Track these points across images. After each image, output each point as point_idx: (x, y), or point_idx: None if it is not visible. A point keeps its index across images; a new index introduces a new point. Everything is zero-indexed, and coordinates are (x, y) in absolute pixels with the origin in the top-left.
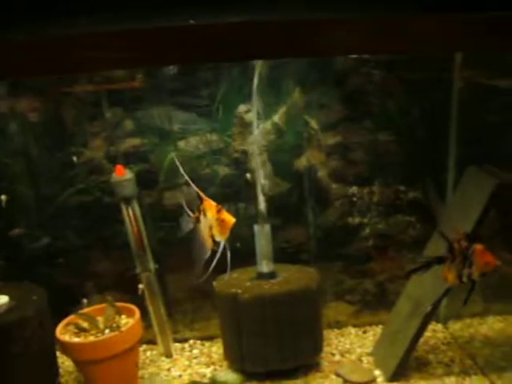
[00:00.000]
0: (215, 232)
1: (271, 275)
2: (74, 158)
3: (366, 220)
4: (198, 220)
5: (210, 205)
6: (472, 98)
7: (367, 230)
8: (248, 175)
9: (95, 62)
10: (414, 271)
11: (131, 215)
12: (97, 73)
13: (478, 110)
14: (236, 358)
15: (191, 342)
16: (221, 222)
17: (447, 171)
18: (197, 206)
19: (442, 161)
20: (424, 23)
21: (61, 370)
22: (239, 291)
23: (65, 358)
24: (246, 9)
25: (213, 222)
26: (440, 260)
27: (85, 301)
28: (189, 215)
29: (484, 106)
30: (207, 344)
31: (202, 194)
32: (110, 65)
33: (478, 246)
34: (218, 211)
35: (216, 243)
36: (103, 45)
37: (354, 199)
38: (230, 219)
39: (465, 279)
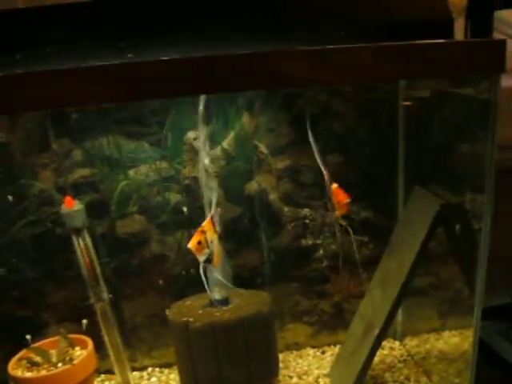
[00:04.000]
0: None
1: (223, 302)
2: (9, 198)
3: (319, 241)
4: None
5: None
6: (418, 116)
7: (321, 251)
8: (184, 209)
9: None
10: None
11: (82, 246)
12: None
13: (424, 128)
14: None
15: (149, 369)
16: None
17: (397, 191)
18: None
19: (392, 180)
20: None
21: None
22: (190, 319)
23: None
24: (181, 44)
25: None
26: None
27: (28, 337)
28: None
29: (430, 125)
30: (166, 371)
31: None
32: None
33: (333, 186)
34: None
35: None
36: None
37: (307, 221)
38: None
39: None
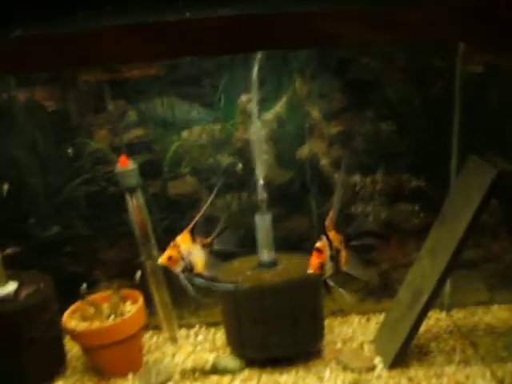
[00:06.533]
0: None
1: (272, 264)
2: (69, 150)
3: (369, 209)
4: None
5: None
6: (475, 85)
7: (370, 219)
8: (240, 165)
9: (98, 57)
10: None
11: (135, 204)
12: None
13: (481, 97)
14: (237, 344)
15: (196, 328)
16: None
17: (450, 159)
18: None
19: (445, 149)
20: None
21: (69, 355)
22: (239, 280)
23: (73, 343)
24: (237, 2)
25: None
26: None
27: (84, 285)
28: None
29: (487, 94)
30: (212, 330)
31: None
32: (111, 60)
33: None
34: None
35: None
36: (105, 40)
37: (357, 188)
38: None
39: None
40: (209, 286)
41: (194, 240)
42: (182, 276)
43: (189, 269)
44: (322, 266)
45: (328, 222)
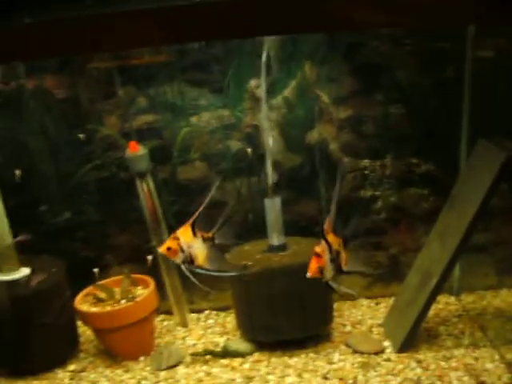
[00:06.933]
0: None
1: (281, 248)
2: (81, 136)
3: (378, 193)
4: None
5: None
6: (485, 69)
7: (380, 203)
8: (249, 150)
9: (109, 43)
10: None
11: (145, 190)
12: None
13: (491, 81)
14: (247, 327)
15: (206, 312)
16: None
17: (459, 143)
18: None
19: (455, 133)
20: None
21: (82, 338)
22: (249, 263)
23: (86, 327)
24: None
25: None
26: None
27: (96, 270)
28: None
29: (497, 78)
30: (222, 314)
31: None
32: (123, 45)
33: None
34: None
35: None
36: (116, 25)
37: (366, 172)
38: None
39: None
40: (210, 273)
41: (194, 234)
42: (183, 267)
43: (189, 261)
44: (321, 270)
45: (326, 226)
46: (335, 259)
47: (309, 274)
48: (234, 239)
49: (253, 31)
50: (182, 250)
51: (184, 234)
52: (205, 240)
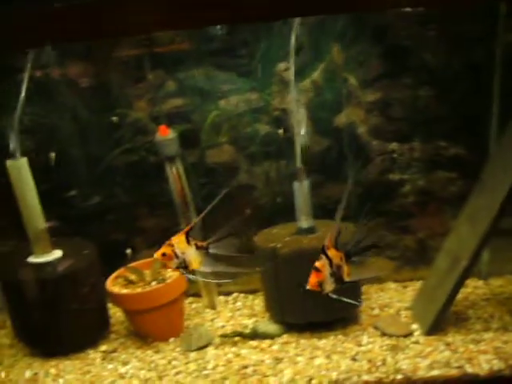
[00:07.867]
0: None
1: (310, 230)
2: (114, 119)
3: (406, 176)
4: None
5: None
6: None
7: (408, 187)
8: (280, 131)
9: (137, 26)
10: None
11: (175, 173)
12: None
13: None
14: (276, 310)
15: (235, 295)
16: None
17: (489, 126)
18: None
19: (484, 115)
20: None
21: (112, 320)
22: (278, 245)
23: (116, 308)
24: None
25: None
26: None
27: (129, 251)
28: None
29: None
30: (250, 297)
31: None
32: (150, 28)
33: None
34: None
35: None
36: (144, 8)
37: (395, 155)
38: None
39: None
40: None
41: (188, 242)
42: (181, 271)
43: (183, 266)
44: (320, 284)
45: (327, 242)
46: (336, 273)
47: (308, 287)
48: (231, 252)
49: (282, 13)
50: (177, 256)
51: (178, 241)
52: (198, 248)
